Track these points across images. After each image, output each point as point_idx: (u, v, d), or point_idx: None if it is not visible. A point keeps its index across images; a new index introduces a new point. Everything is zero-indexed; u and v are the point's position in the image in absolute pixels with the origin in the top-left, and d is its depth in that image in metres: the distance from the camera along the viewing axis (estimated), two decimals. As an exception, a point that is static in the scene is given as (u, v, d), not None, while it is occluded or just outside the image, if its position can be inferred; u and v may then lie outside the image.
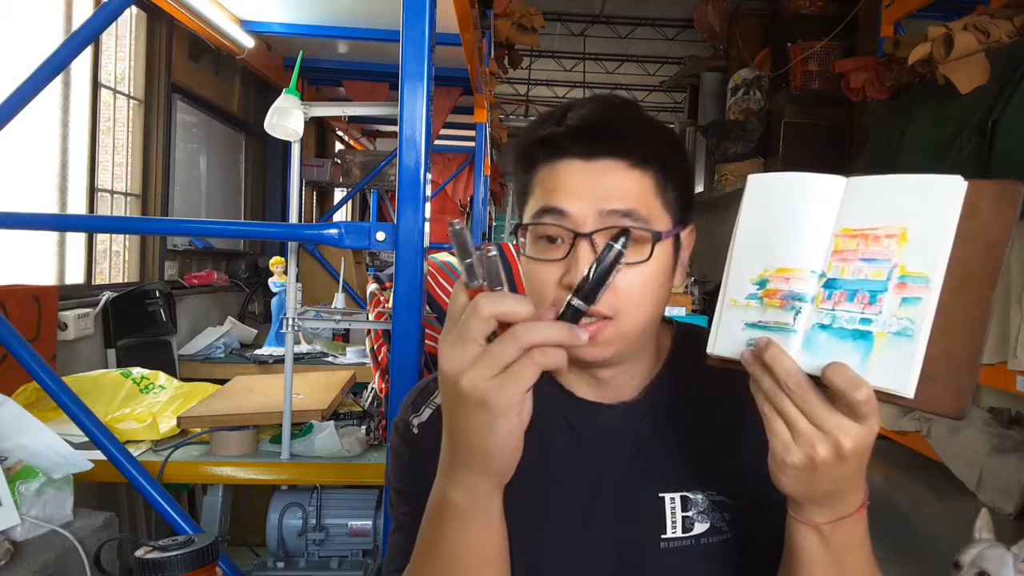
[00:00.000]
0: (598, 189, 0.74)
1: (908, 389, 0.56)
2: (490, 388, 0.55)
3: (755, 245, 0.65)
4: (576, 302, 0.58)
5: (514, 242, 0.82)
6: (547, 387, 0.83)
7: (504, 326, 0.56)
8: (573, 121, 0.77)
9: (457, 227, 0.57)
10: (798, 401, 0.58)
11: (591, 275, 0.59)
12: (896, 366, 0.57)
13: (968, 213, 0.56)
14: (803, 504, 0.64)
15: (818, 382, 0.58)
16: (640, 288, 0.75)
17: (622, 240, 0.59)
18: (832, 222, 0.62)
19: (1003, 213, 0.56)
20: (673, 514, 0.78)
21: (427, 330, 2.25)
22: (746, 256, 0.66)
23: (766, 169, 6.46)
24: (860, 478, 0.63)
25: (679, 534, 0.78)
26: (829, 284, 0.61)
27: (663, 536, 0.78)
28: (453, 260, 2.57)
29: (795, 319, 0.61)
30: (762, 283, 0.64)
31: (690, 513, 0.79)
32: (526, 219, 0.79)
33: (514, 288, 1.38)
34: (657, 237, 0.75)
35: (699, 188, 8.49)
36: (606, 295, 0.71)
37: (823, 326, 0.60)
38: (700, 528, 0.78)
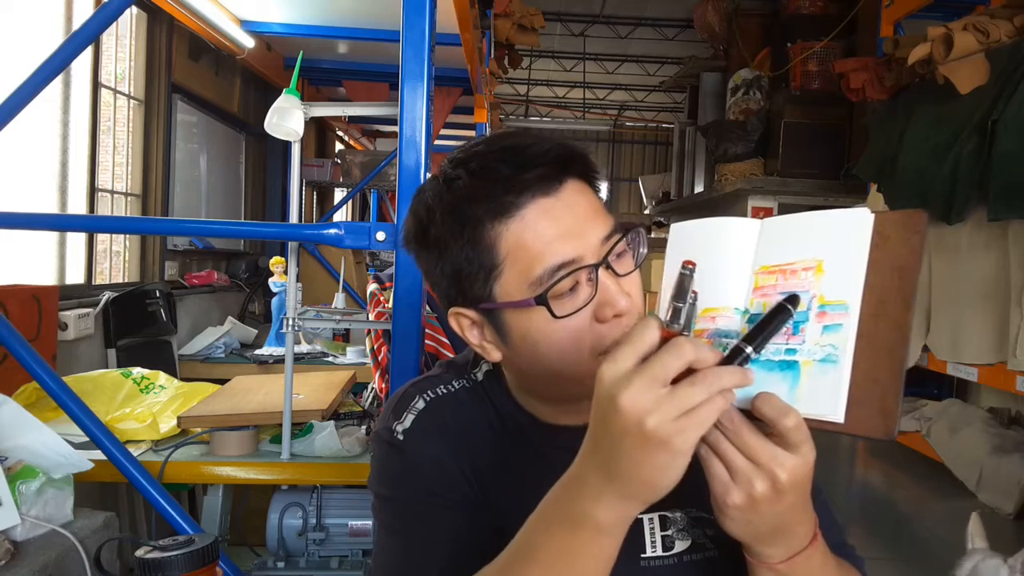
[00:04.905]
0: (578, 218, 0.72)
1: (837, 414, 0.57)
2: (676, 431, 0.55)
3: None
4: (748, 349, 0.59)
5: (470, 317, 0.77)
6: (511, 414, 0.82)
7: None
8: (523, 157, 0.72)
9: (688, 271, 0.60)
10: (732, 436, 0.58)
11: (764, 326, 0.60)
12: (823, 392, 0.58)
13: (877, 243, 0.59)
14: (753, 546, 0.64)
15: (751, 417, 0.59)
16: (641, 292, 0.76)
17: (792, 304, 0.60)
18: (750, 261, 0.64)
19: (909, 240, 0.58)
20: (652, 534, 0.77)
21: (427, 330, 2.25)
22: None
23: (765, 169, 6.46)
24: (804, 512, 0.63)
25: (659, 553, 0.77)
26: (752, 319, 0.62)
27: (643, 555, 0.77)
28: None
29: None
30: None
31: (670, 532, 0.77)
32: (512, 289, 0.72)
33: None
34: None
35: (699, 188, 8.48)
36: (631, 302, 0.72)
37: (751, 360, 0.61)
38: (681, 546, 0.77)
